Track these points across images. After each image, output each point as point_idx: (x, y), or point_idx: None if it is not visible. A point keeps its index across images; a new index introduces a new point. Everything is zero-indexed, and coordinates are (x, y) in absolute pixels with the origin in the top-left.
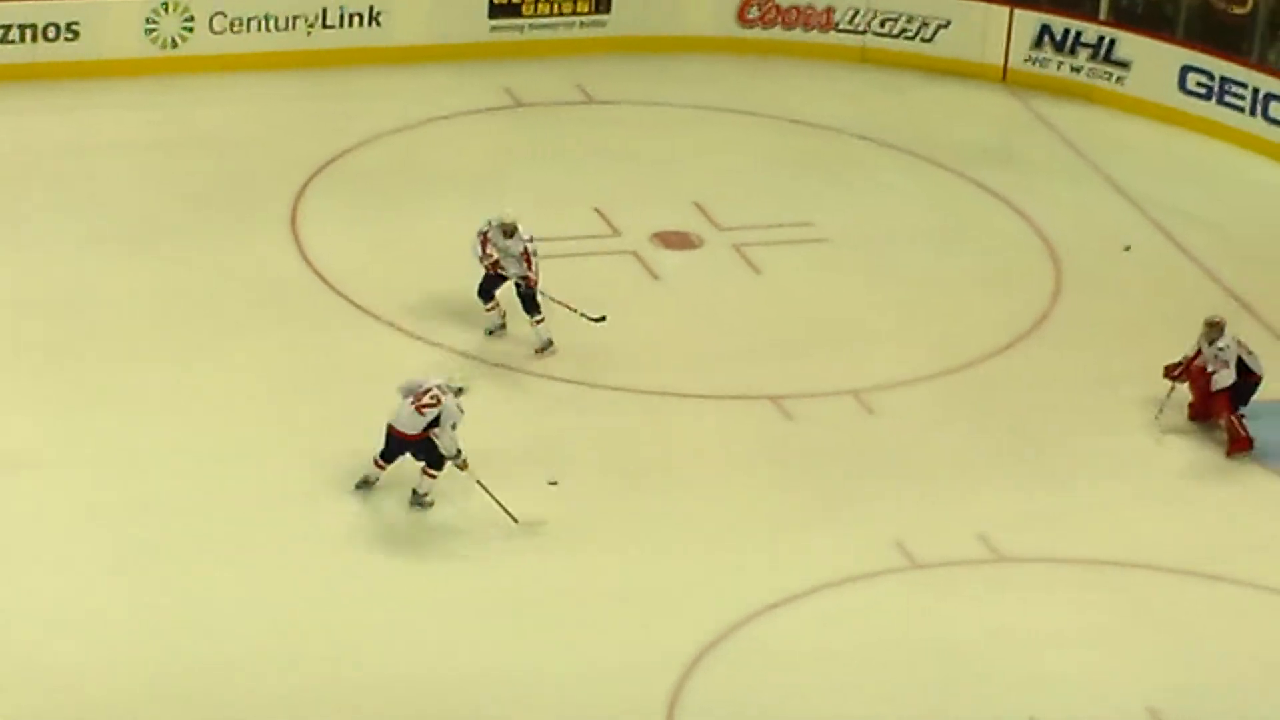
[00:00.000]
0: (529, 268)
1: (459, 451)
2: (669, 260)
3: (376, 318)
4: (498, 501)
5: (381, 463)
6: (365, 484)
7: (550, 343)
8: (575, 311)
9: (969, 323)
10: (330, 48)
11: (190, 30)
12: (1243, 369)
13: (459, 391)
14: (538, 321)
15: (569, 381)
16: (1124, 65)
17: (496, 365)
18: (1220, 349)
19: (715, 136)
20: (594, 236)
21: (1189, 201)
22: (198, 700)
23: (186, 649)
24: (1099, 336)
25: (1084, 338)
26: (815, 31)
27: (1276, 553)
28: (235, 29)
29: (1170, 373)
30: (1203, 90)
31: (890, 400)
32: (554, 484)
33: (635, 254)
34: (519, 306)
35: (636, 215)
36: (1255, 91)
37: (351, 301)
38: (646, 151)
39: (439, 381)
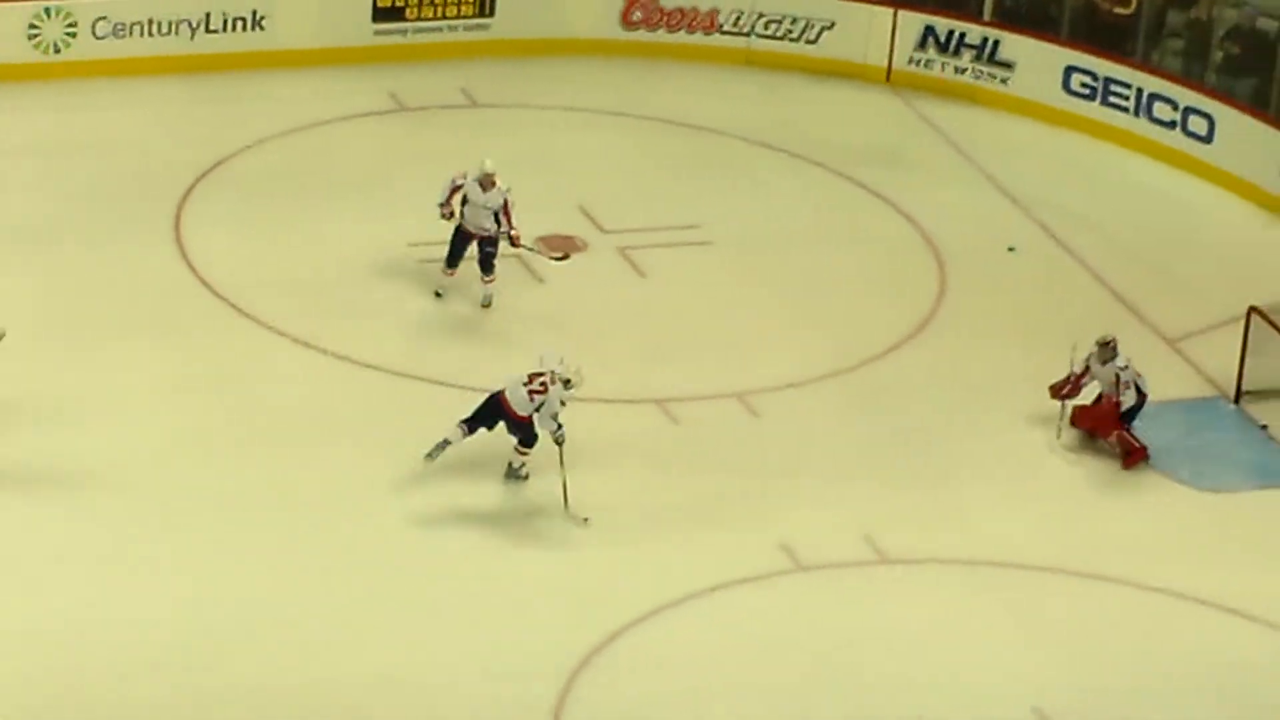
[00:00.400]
0: (510, 222)
1: (559, 426)
2: (554, 264)
3: (259, 322)
4: (565, 494)
5: (465, 428)
6: (443, 446)
7: (491, 299)
8: (542, 254)
9: (854, 325)
10: (214, 52)
11: (73, 36)
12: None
13: (567, 384)
14: (489, 281)
15: (451, 386)
16: (1008, 66)
17: (367, 366)
18: (1121, 369)
19: (600, 140)
20: None
21: (1073, 202)
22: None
23: (91, 657)
24: (984, 338)
25: (969, 339)
26: (699, 34)
27: (1159, 552)
28: (119, 34)
29: (1057, 392)
30: (1087, 91)
31: (775, 403)
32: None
33: (520, 257)
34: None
35: (521, 219)
36: (1139, 92)
37: (235, 306)
38: (531, 155)
39: (554, 368)
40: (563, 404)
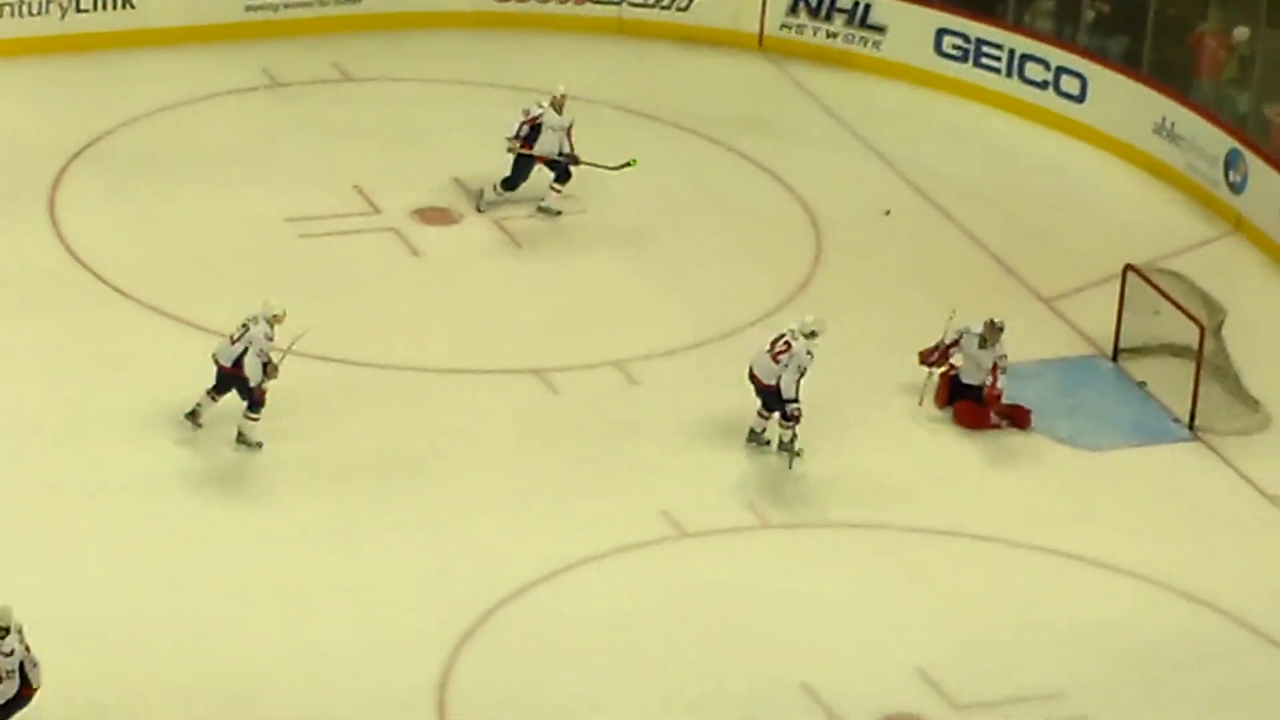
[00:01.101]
0: (571, 145)
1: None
2: (430, 237)
3: (137, 300)
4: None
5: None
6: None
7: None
8: (604, 167)
9: (731, 291)
10: (85, 32)
11: None
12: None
13: (811, 335)
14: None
15: (330, 360)
16: (880, 30)
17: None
18: (1001, 356)
19: (473, 112)
20: (354, 214)
21: (948, 164)
22: None
23: None
24: (862, 301)
25: (847, 303)
26: (570, 4)
27: (1040, 511)
28: None
29: (926, 359)
30: (959, 53)
31: (655, 370)
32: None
33: (396, 231)
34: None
35: (396, 192)
36: (1012, 53)
37: (111, 285)
38: (405, 128)
39: (793, 326)
40: (810, 355)
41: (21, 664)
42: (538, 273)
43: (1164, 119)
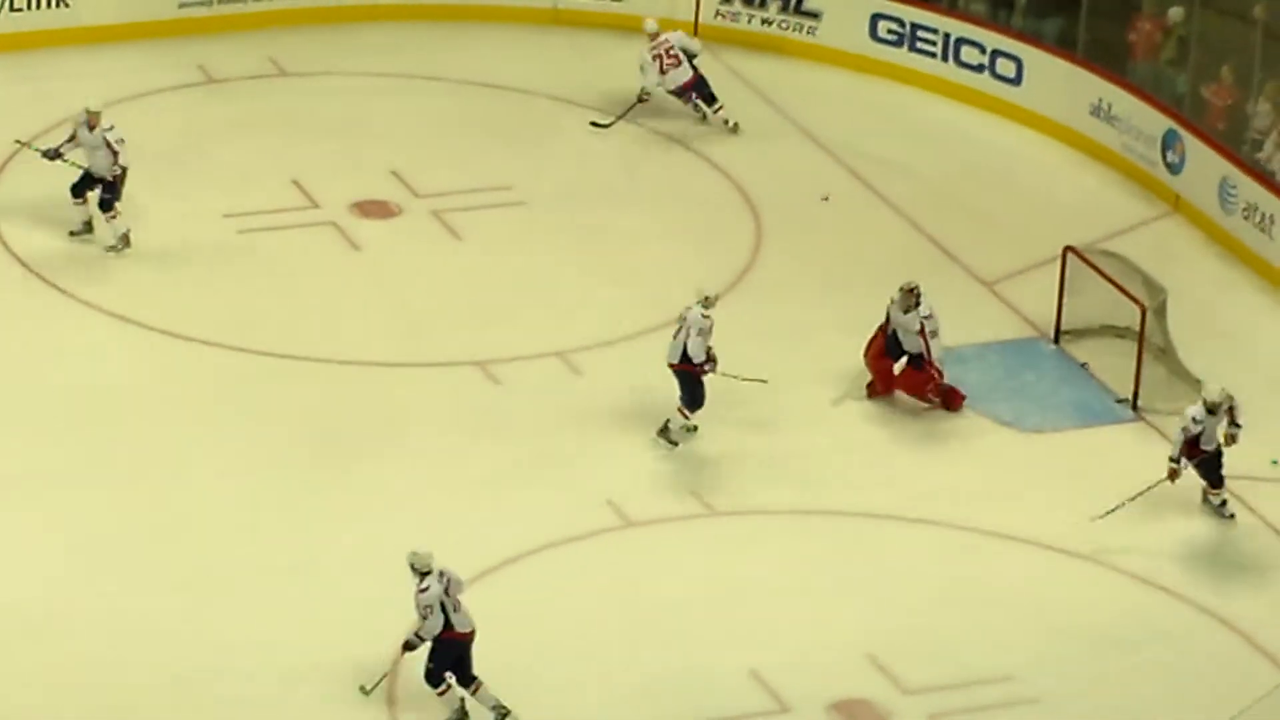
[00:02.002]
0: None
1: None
2: (368, 230)
3: (77, 299)
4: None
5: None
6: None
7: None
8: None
9: (671, 279)
10: (18, 31)
11: None
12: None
13: (705, 301)
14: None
15: (269, 355)
16: (815, 16)
17: (192, 340)
18: (927, 317)
19: (410, 104)
20: (293, 209)
21: (885, 149)
22: None
23: None
24: (801, 287)
25: (786, 289)
26: None
27: (984, 494)
28: None
29: (868, 353)
30: (894, 38)
31: (596, 360)
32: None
33: (335, 224)
34: None
35: (334, 186)
36: (947, 37)
37: (52, 284)
38: (342, 122)
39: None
40: (707, 319)
41: (443, 603)
42: (478, 264)
43: (1100, 100)
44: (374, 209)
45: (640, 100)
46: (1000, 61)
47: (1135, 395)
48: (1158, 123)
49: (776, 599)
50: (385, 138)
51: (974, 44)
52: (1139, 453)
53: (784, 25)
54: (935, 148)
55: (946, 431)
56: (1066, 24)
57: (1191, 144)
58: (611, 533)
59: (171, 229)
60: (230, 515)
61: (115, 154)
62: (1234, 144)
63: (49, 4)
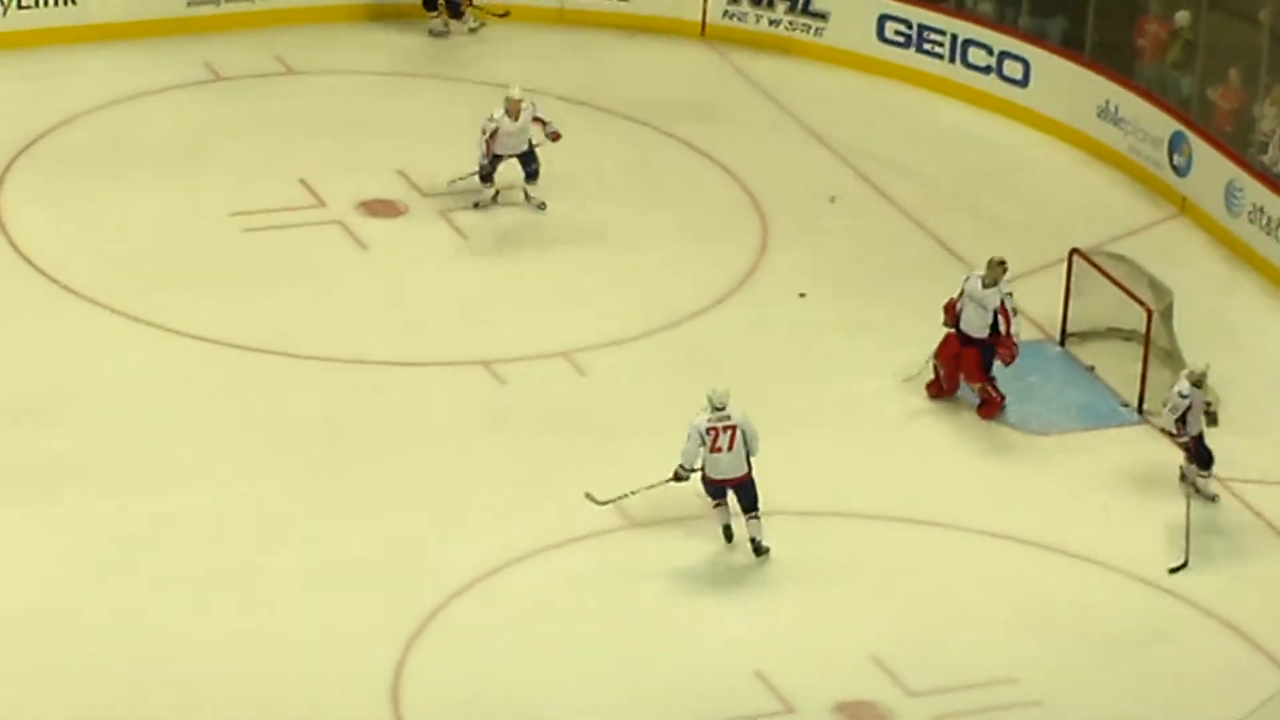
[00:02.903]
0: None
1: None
2: (375, 229)
3: (82, 296)
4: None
5: None
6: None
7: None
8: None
9: (677, 280)
10: (28, 28)
11: None
12: (995, 330)
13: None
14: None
15: (273, 353)
16: (822, 16)
17: (198, 338)
18: (1008, 295)
19: (416, 103)
20: (300, 208)
21: (892, 150)
22: None
23: None
24: (807, 288)
25: (792, 290)
26: None
27: (990, 496)
28: None
29: (942, 353)
30: (901, 39)
31: (602, 360)
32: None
33: (341, 223)
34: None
35: (341, 185)
36: (954, 38)
37: (57, 281)
38: (349, 121)
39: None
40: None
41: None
42: (484, 264)
43: (1107, 102)
44: (381, 208)
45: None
46: (1007, 63)
47: (1141, 398)
48: (1165, 125)
49: (780, 600)
50: (392, 137)
51: (981, 45)
52: (1144, 455)
53: (791, 26)
54: (942, 149)
55: (952, 432)
56: (1072, 24)
57: (1199, 146)
58: (616, 533)
59: (177, 227)
60: (233, 514)
61: (545, 123)
62: (1241, 147)
63: (57, 1)
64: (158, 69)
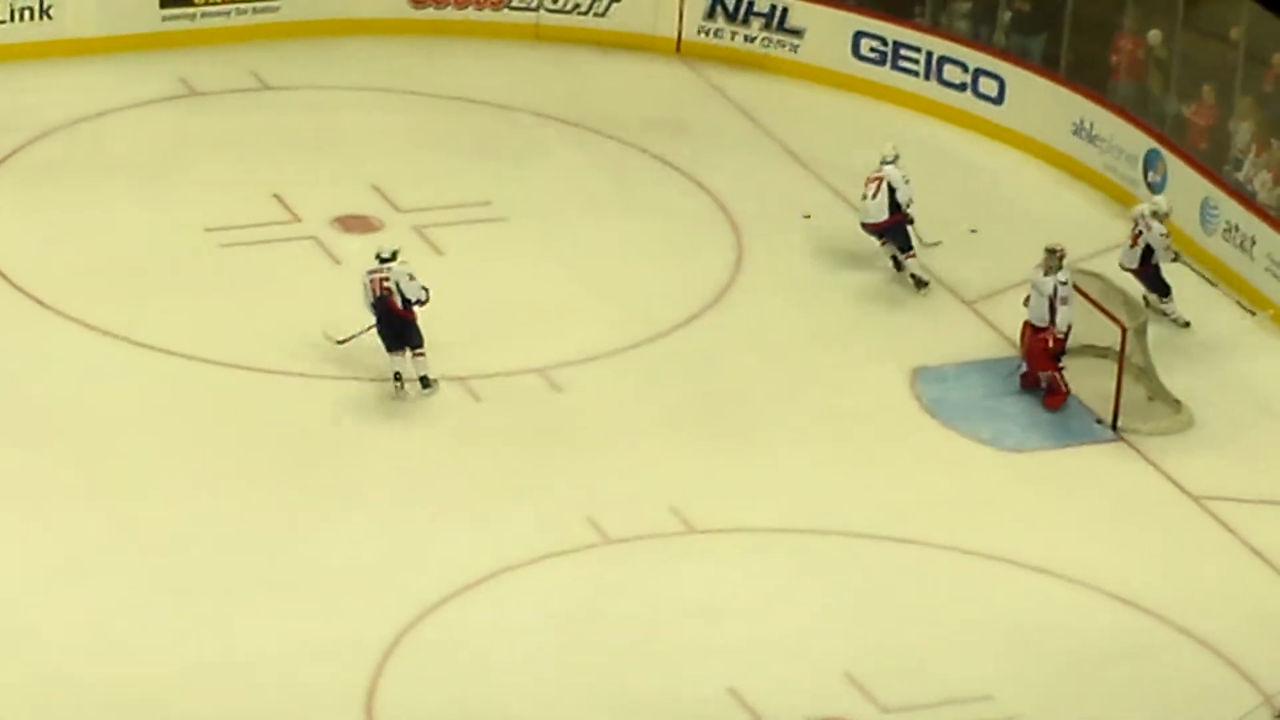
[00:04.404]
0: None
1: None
2: (350, 245)
3: (56, 311)
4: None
5: None
6: None
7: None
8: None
9: (653, 295)
10: (1, 43)
11: None
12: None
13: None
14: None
15: (249, 369)
16: (797, 33)
17: (174, 354)
18: (1062, 283)
19: (391, 119)
20: (274, 223)
21: (867, 167)
22: None
23: None
24: (782, 304)
25: (767, 306)
26: (488, 10)
27: (964, 513)
28: None
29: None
30: (877, 56)
31: (577, 376)
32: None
33: (316, 239)
34: None
35: (316, 200)
36: (929, 55)
37: (31, 296)
38: (324, 136)
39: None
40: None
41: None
42: (459, 280)
43: (1082, 119)
44: (355, 223)
45: None
46: (983, 80)
47: (1115, 416)
48: (1139, 142)
49: (755, 617)
50: (367, 152)
51: (956, 63)
52: (1119, 473)
53: (766, 42)
54: (917, 166)
55: (928, 449)
56: (1049, 42)
57: (1173, 164)
58: (591, 550)
59: (152, 242)
60: (209, 530)
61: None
62: (1215, 164)
63: (32, 16)
64: (132, 83)
